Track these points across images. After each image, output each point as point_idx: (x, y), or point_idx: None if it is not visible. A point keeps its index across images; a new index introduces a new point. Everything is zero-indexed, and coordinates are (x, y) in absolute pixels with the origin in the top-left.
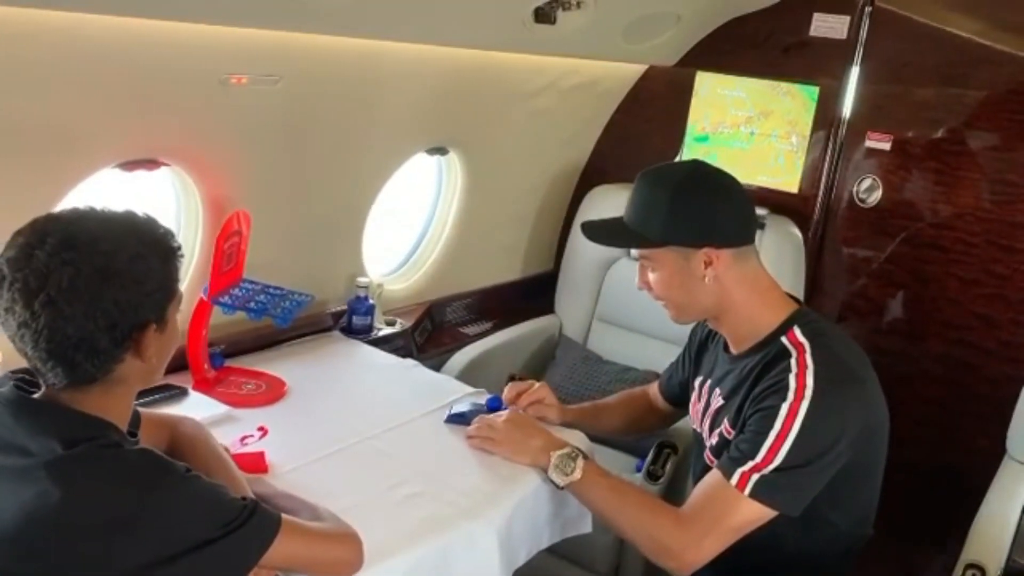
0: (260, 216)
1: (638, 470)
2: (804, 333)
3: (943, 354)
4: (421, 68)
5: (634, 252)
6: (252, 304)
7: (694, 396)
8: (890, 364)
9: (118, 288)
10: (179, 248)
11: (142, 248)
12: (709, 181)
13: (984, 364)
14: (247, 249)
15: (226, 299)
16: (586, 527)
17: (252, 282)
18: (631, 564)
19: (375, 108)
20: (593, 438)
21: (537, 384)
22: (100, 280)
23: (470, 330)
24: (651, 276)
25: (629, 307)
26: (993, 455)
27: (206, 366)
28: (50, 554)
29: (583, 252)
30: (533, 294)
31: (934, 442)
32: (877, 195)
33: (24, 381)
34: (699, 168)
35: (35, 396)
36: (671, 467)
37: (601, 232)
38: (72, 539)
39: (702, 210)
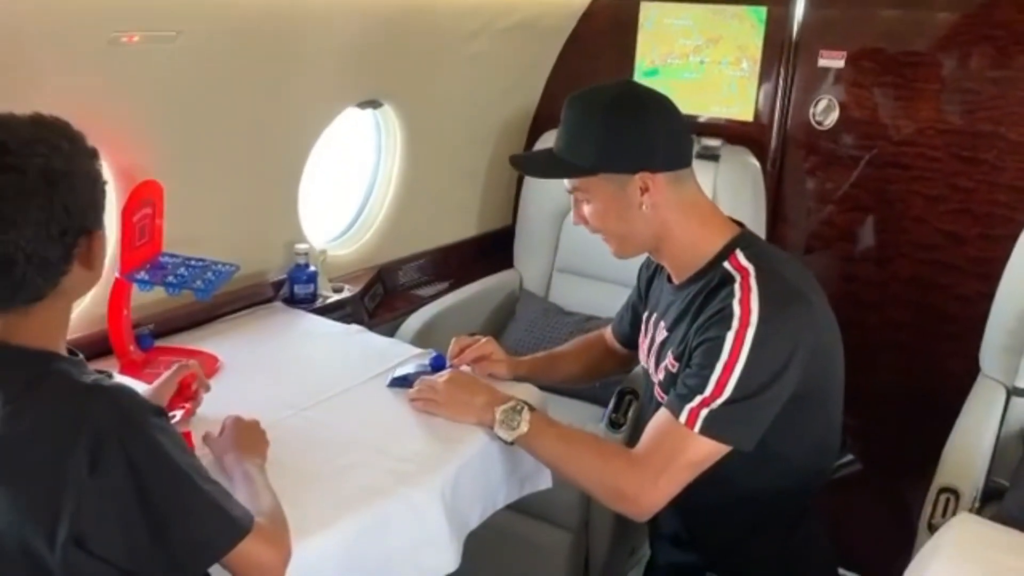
0: (178, 186)
1: None
2: (747, 257)
3: (912, 276)
4: (341, 15)
5: (567, 184)
6: (171, 278)
7: (641, 333)
8: (859, 290)
9: (66, 192)
10: (95, 148)
11: (73, 148)
12: (640, 101)
13: (954, 283)
14: (163, 222)
15: (142, 275)
16: (545, 483)
17: (172, 255)
18: (599, 518)
19: (293, 62)
20: (557, 389)
21: (483, 339)
22: (46, 184)
23: (426, 292)
24: (586, 209)
25: (588, 256)
26: (968, 376)
27: (132, 348)
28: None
29: (539, 204)
30: (491, 250)
31: (907, 367)
32: (834, 116)
33: None
34: (630, 88)
35: None
36: (633, 414)
37: (531, 163)
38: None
39: (635, 133)
